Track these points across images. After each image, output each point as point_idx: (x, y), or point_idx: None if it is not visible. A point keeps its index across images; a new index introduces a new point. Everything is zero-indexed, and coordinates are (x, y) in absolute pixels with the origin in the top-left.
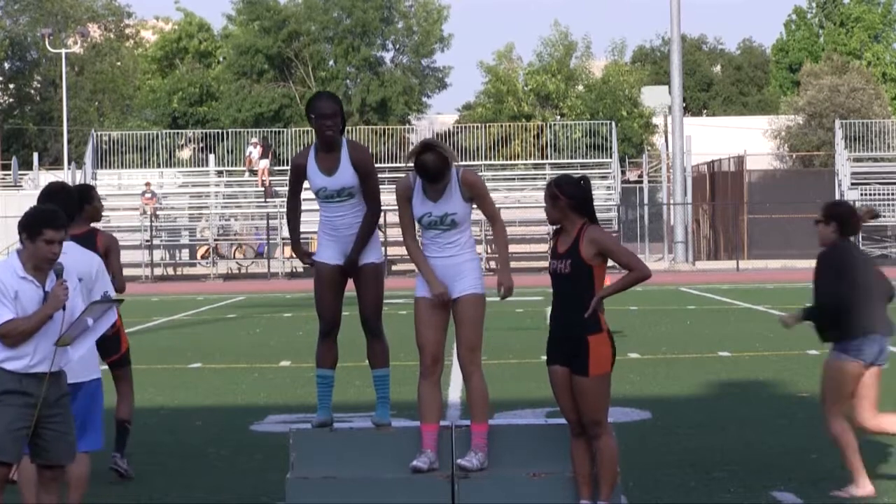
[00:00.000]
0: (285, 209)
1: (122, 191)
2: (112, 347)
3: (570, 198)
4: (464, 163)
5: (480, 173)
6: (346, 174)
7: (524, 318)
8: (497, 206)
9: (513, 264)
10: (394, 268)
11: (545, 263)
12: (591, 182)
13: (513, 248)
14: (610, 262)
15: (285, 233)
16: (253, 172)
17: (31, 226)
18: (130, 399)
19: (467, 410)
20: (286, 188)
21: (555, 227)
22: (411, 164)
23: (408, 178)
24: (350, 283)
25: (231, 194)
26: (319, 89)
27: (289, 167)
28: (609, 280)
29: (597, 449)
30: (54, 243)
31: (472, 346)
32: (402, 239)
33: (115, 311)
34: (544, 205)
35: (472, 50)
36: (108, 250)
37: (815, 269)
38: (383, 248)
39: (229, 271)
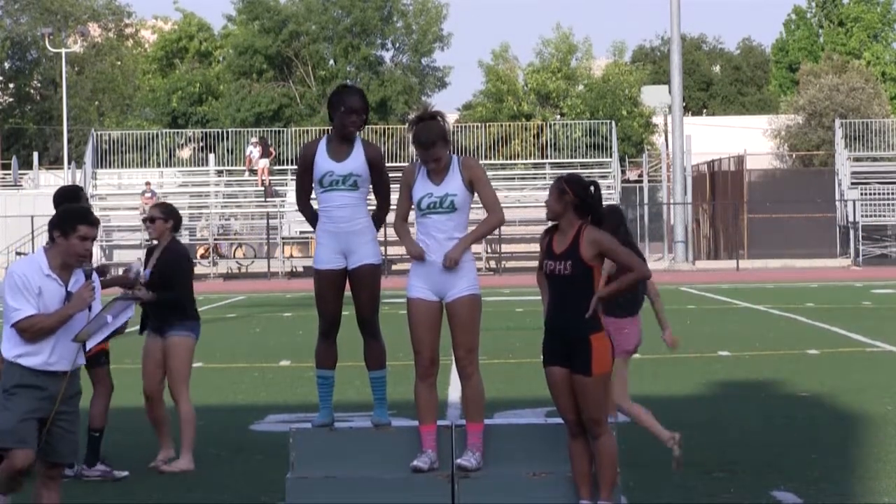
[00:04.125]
0: (299, 208)
1: (122, 190)
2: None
3: (576, 196)
4: None
5: None
6: (356, 161)
7: (524, 318)
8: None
9: (513, 264)
10: (393, 267)
11: None
12: None
13: (513, 247)
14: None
15: (286, 232)
16: (253, 172)
17: (65, 222)
18: (105, 403)
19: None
20: (287, 188)
21: (548, 227)
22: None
23: (413, 165)
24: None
25: (231, 194)
26: (319, 89)
27: (288, 167)
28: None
29: (597, 448)
30: (88, 240)
31: (470, 348)
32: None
33: (132, 309)
34: (547, 199)
35: (472, 49)
36: None
37: None
38: (383, 248)
39: (229, 271)
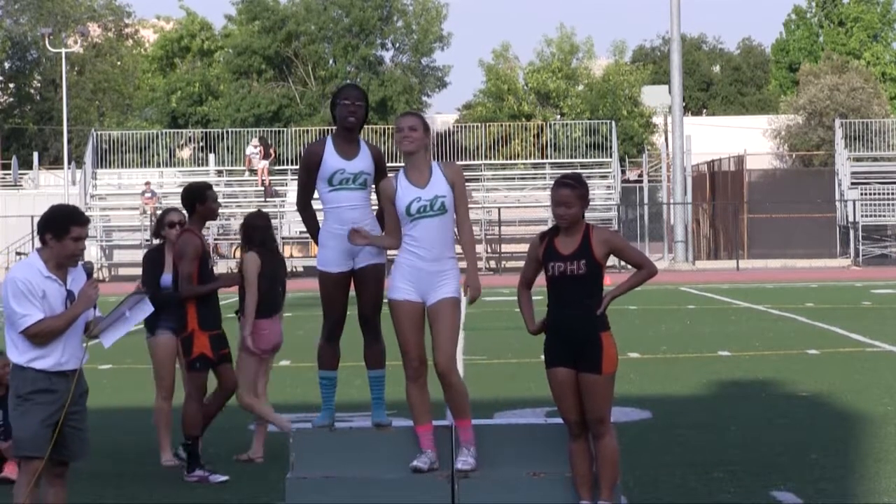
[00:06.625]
0: (300, 209)
1: (122, 190)
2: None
3: (588, 199)
4: (463, 162)
5: (480, 173)
6: (365, 160)
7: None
8: (497, 205)
9: (513, 263)
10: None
11: None
12: (591, 181)
13: (512, 247)
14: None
15: (286, 232)
16: (253, 172)
17: (58, 224)
18: (187, 405)
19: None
20: (287, 188)
21: (542, 232)
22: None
23: (390, 180)
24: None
25: (231, 194)
26: (319, 89)
27: (288, 167)
28: (608, 279)
29: (599, 448)
30: (81, 240)
31: (450, 352)
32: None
33: (148, 302)
34: (564, 204)
35: (472, 49)
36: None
37: None
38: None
39: (229, 271)
